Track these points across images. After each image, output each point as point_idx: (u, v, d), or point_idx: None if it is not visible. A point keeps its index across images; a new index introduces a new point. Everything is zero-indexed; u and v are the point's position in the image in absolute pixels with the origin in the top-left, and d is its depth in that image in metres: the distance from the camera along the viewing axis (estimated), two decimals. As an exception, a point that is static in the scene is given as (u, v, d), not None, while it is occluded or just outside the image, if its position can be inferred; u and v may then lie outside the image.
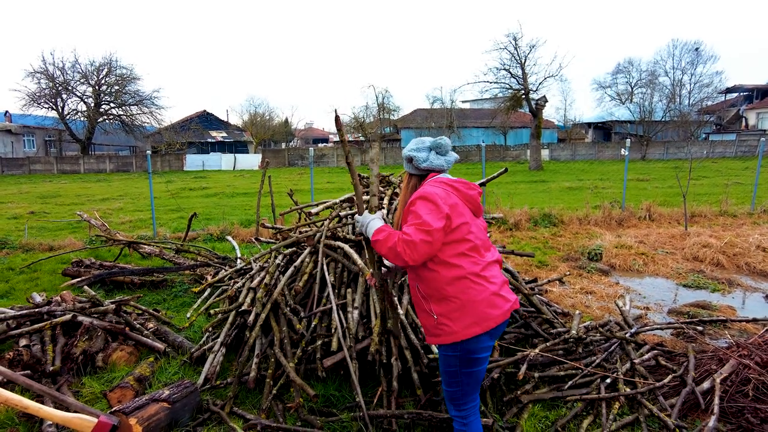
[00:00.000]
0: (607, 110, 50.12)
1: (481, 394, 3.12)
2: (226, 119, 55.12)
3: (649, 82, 46.84)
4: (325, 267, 3.88)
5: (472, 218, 2.26)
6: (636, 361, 3.43)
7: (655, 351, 3.68)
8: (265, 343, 3.59)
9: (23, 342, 3.72)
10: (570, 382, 3.22)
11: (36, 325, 3.75)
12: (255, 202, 13.72)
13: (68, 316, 3.80)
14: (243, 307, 3.63)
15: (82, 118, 45.02)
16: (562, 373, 3.37)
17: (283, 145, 58.29)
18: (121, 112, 46.12)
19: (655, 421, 3.00)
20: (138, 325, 4.01)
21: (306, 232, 4.37)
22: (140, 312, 4.54)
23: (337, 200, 4.52)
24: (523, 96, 29.05)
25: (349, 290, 3.71)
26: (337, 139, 58.27)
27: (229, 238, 7.35)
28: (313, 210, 4.20)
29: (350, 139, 52.98)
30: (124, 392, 3.19)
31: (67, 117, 44.21)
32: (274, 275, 3.89)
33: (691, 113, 44.21)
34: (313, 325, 3.57)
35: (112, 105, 45.76)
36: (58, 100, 43.60)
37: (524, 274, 6.42)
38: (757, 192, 11.15)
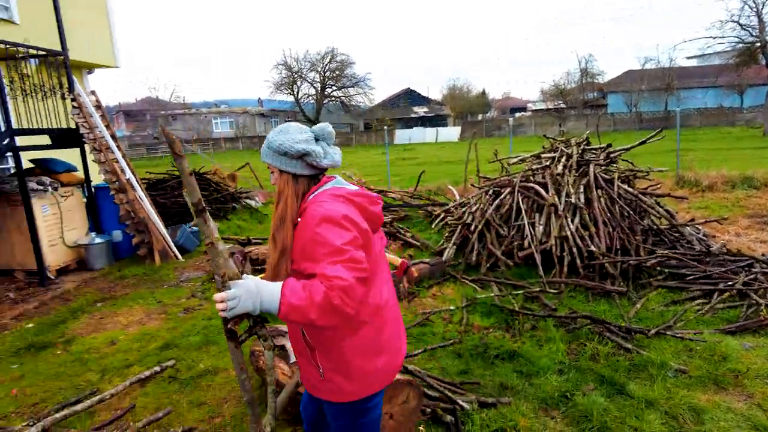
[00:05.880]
0: None
1: (621, 279, 4.75)
2: (426, 95, 59.13)
3: None
4: (520, 200, 5.82)
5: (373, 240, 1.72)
6: (757, 270, 4.59)
7: (783, 269, 4.72)
8: (479, 246, 5.73)
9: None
10: (691, 277, 4.62)
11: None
12: (457, 168, 15.97)
13: (365, 225, 6.54)
14: (467, 221, 5.85)
15: (311, 101, 53.74)
16: (690, 275, 4.74)
17: (480, 117, 60.00)
18: (341, 94, 53.61)
19: (757, 311, 4.22)
20: (402, 233, 6.59)
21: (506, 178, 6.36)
22: (396, 230, 7.15)
23: (528, 155, 6.38)
24: (759, 49, 25.31)
25: (537, 214, 5.60)
26: (535, 107, 57.41)
27: (451, 187, 9.78)
28: (511, 161, 6.15)
29: (549, 106, 51.87)
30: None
31: (301, 100, 53.29)
32: (485, 204, 6.01)
33: None
34: (511, 235, 5.58)
35: (334, 88, 53.45)
36: (294, 86, 52.81)
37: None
38: None
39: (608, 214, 5.29)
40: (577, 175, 5.72)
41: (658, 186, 6.58)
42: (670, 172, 9.81)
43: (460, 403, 2.95)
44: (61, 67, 6.70)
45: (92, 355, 4.18)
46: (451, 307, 4.57)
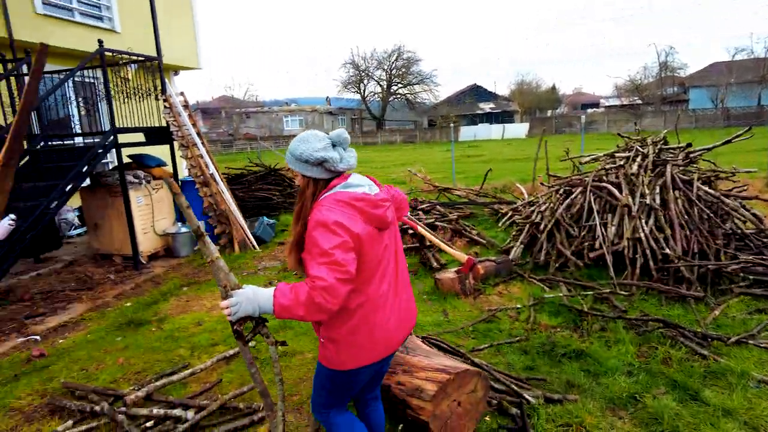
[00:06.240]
0: None
1: (699, 283, 4.56)
2: (493, 90, 58.01)
3: None
4: (592, 200, 5.71)
5: (379, 239, 1.90)
6: None
7: None
8: (548, 245, 5.69)
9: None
10: (780, 284, 4.35)
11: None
12: (523, 166, 15.70)
13: (431, 220, 6.65)
14: (536, 220, 5.81)
15: (377, 99, 54.37)
16: (779, 281, 4.47)
17: (549, 113, 58.08)
18: (406, 91, 53.83)
19: None
20: (468, 230, 6.65)
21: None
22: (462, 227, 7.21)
23: (601, 154, 6.22)
24: None
25: (609, 215, 5.47)
26: (608, 103, 54.78)
27: (518, 185, 9.68)
28: (583, 160, 6.03)
29: (624, 102, 49.34)
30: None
31: (367, 98, 54.06)
32: (555, 203, 5.94)
33: None
34: (581, 235, 5.50)
35: (399, 85, 53.76)
36: (361, 84, 53.66)
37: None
38: None
39: (686, 217, 5.09)
40: (653, 175, 5.52)
41: (745, 188, 6.20)
42: (760, 173, 9.14)
43: (526, 396, 3.02)
44: (155, 71, 7.33)
45: (182, 333, 4.61)
46: (518, 306, 4.60)
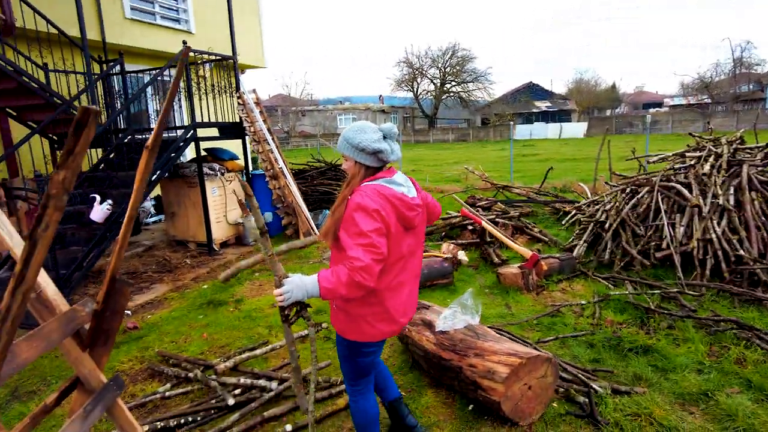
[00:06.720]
0: None
1: (778, 286, 4.43)
2: (550, 89, 56.53)
3: None
4: (659, 200, 5.61)
5: (403, 237, 2.11)
6: None
7: None
8: (613, 245, 5.65)
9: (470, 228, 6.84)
10: None
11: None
12: (583, 165, 15.34)
13: (492, 217, 6.72)
14: (601, 219, 5.78)
15: (430, 97, 54.26)
16: None
17: (608, 112, 55.91)
18: (460, 89, 53.38)
19: None
20: (529, 228, 6.68)
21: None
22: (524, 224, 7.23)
23: (670, 153, 6.08)
24: None
25: (678, 215, 5.37)
26: (673, 102, 52.09)
27: (581, 184, 9.56)
28: (651, 159, 5.93)
29: (691, 101, 46.86)
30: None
31: (419, 96, 54.06)
32: (620, 202, 5.88)
33: None
34: (648, 235, 5.43)
35: (453, 83, 53.38)
36: (414, 83, 53.70)
37: None
38: None
39: (763, 219, 4.93)
40: (726, 175, 5.37)
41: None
42: None
43: (594, 386, 3.10)
44: (230, 69, 7.80)
45: (258, 313, 4.95)
46: (582, 302, 4.63)
